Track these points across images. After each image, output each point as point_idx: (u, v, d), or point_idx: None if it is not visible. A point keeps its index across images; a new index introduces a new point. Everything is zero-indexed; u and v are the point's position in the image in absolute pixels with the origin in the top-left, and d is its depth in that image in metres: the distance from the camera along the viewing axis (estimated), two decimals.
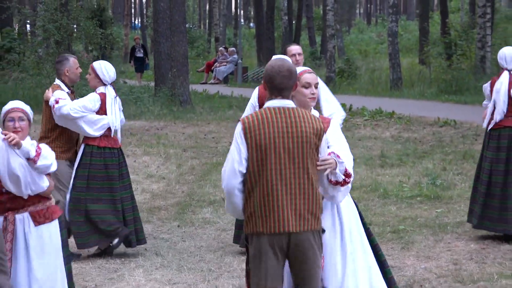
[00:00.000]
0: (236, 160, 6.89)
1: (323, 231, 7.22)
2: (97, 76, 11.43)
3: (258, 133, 6.80)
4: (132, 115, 26.46)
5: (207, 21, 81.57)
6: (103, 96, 11.28)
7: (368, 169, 17.58)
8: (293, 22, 52.88)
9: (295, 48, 11.78)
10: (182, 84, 29.99)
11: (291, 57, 11.38)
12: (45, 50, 33.25)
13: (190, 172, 17.59)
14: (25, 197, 7.36)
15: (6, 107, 7.70)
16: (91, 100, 11.18)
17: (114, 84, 11.80)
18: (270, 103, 6.93)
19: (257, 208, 6.90)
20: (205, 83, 44.22)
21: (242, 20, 70.93)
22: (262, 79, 7.18)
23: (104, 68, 11.46)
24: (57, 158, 8.46)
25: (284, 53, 11.66)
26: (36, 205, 7.51)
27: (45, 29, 34.51)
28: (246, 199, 7.00)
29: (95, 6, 36.36)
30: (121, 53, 52.43)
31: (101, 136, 11.32)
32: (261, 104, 10.61)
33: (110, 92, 11.42)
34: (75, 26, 35.46)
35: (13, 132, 7.42)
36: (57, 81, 11.85)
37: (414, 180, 16.31)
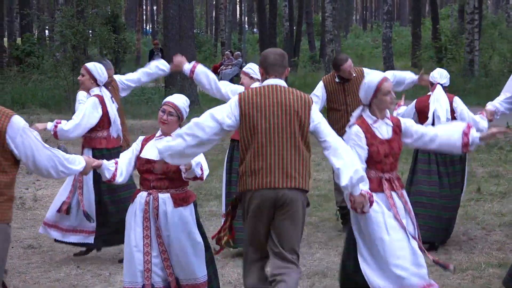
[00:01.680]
0: (222, 111, 7.26)
1: (308, 204, 7.76)
2: (92, 77, 10.76)
3: (251, 102, 7.22)
4: (144, 114, 26.52)
5: (213, 27, 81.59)
6: (101, 98, 10.63)
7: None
8: (294, 28, 52.89)
9: (348, 65, 12.26)
10: (190, 86, 30.03)
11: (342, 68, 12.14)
12: (62, 54, 33.35)
13: None
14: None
15: (166, 99, 8.08)
16: (93, 106, 10.53)
17: (106, 85, 11.46)
18: (265, 82, 7.40)
19: (248, 168, 7.26)
20: None
21: (246, 26, 71.09)
22: (260, 66, 7.62)
23: (99, 69, 10.82)
24: None
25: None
26: (177, 189, 7.80)
27: (63, 35, 34.63)
28: (241, 161, 7.40)
29: (109, 13, 36.37)
30: (133, 56, 52.42)
31: (105, 138, 10.79)
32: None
33: (106, 92, 10.83)
34: (90, 31, 35.57)
35: (160, 122, 7.89)
36: None
37: (406, 175, 16.32)
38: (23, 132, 6.82)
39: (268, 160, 7.20)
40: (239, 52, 48.45)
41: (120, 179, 7.90)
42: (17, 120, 6.78)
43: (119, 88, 11.90)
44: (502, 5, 77.72)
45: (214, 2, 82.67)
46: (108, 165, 7.87)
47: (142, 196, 7.78)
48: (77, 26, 34.57)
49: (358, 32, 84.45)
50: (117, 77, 12.02)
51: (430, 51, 42.93)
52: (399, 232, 7.47)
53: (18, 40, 42.27)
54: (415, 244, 7.55)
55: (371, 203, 7.32)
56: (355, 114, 7.74)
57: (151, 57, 42.14)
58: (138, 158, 7.89)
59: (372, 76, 7.72)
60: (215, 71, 46.83)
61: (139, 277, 7.66)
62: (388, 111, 7.75)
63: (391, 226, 7.44)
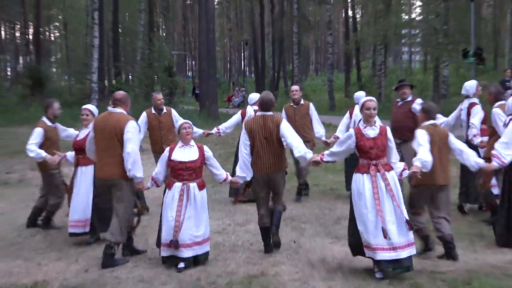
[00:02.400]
0: (243, 138, 8.17)
1: (286, 172, 8.29)
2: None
3: (249, 126, 8.10)
4: None
5: (228, 73, 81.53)
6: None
7: None
8: (275, 73, 52.81)
9: (294, 87, 12.62)
10: (214, 109, 30.05)
11: (291, 92, 12.44)
12: (139, 90, 33.24)
13: (218, 157, 17.40)
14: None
15: (181, 121, 8.13)
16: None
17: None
18: (258, 113, 8.21)
19: (253, 162, 8.10)
20: (227, 107, 44.29)
21: (247, 73, 70.85)
22: (258, 103, 8.44)
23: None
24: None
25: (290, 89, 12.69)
26: (199, 179, 7.83)
27: (139, 78, 34.65)
28: (252, 158, 8.10)
29: (167, 65, 36.45)
30: (180, 92, 52.09)
31: None
32: (242, 117, 11.68)
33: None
34: (156, 76, 35.63)
35: (187, 135, 7.88)
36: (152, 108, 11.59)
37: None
38: (131, 129, 7.64)
39: (261, 158, 8.03)
40: (243, 88, 48.40)
41: (160, 184, 8.07)
42: (132, 123, 7.71)
43: (172, 114, 11.63)
44: (398, 60, 77.98)
45: (228, 59, 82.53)
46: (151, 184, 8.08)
47: (177, 186, 7.68)
48: (148, 73, 34.65)
49: (313, 76, 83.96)
50: (173, 111, 11.83)
51: (356, 87, 42.89)
52: (372, 210, 7.08)
53: (113, 81, 42.17)
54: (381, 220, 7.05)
55: (322, 160, 7.65)
56: (357, 124, 8.46)
57: (193, 91, 42.11)
58: (170, 160, 7.81)
59: (364, 98, 7.58)
60: (229, 99, 46.89)
61: (171, 235, 7.61)
62: (378, 120, 7.62)
63: (370, 205, 7.09)
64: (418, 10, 65.76)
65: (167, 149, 7.99)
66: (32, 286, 6.98)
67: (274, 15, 50.65)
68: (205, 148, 8.01)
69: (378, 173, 7.15)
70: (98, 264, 7.77)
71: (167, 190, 7.81)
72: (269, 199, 8.34)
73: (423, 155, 7.39)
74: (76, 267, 7.79)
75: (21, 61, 52.60)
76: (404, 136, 10.98)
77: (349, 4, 54.21)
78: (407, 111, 11.06)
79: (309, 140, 11.90)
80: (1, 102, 28.88)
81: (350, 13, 55.80)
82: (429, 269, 7.34)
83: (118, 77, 39.88)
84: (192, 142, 7.96)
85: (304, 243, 8.71)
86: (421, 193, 7.82)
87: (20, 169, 15.84)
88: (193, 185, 7.72)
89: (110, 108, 7.98)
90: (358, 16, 59.40)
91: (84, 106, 9.49)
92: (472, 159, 7.81)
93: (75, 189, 9.01)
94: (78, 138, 9.23)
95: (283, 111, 12.25)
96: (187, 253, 7.62)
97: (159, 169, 7.99)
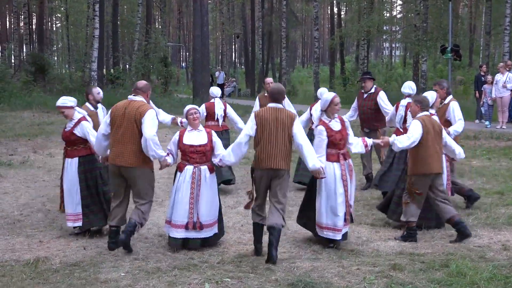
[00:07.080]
0: (248, 127, 7.14)
1: (289, 175, 7.27)
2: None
3: (261, 117, 7.10)
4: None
5: (220, 64, 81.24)
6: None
7: None
8: (264, 66, 52.59)
9: (268, 79, 12.07)
10: (207, 97, 29.84)
11: (266, 84, 11.87)
12: (136, 79, 33.03)
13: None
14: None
15: (187, 108, 7.86)
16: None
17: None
18: (269, 105, 7.21)
19: (258, 154, 7.08)
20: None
21: (238, 64, 70.62)
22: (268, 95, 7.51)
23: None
24: None
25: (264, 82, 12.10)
26: (209, 162, 7.57)
27: (136, 68, 34.39)
28: (255, 149, 7.14)
29: (162, 55, 36.24)
30: (175, 80, 52.02)
31: None
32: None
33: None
34: (152, 66, 35.36)
35: (194, 120, 7.68)
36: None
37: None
38: (148, 117, 7.32)
39: (269, 152, 7.03)
40: (234, 79, 48.25)
41: (175, 156, 7.73)
42: (151, 111, 7.36)
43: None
44: (379, 55, 78.07)
45: (220, 51, 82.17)
46: (169, 159, 7.65)
47: (189, 168, 7.44)
48: (145, 62, 34.39)
49: (299, 69, 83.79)
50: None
51: (339, 80, 42.81)
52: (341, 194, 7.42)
53: (112, 70, 41.84)
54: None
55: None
56: (317, 117, 7.67)
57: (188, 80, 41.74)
58: (181, 144, 7.56)
59: (328, 94, 7.62)
60: (222, 88, 46.73)
61: (185, 217, 7.35)
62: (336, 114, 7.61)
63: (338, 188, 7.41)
64: (399, 8, 65.86)
65: (178, 133, 7.73)
66: (34, 262, 6.90)
67: (264, 11, 50.44)
68: (213, 133, 7.73)
69: (345, 162, 7.50)
70: (96, 242, 7.73)
71: (178, 173, 7.54)
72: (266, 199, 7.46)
73: (402, 139, 7.79)
74: (75, 244, 7.72)
75: (24, 49, 52.17)
76: (372, 126, 11.16)
77: (335, 2, 54.08)
78: (373, 104, 11.17)
79: None
80: (6, 88, 28.45)
81: (335, 10, 55.73)
82: (408, 251, 7.33)
83: (116, 66, 39.61)
84: (201, 127, 7.73)
85: (291, 225, 8.66)
86: (420, 182, 7.82)
87: (23, 151, 15.68)
88: (204, 168, 7.49)
89: (130, 97, 7.70)
90: (342, 13, 59.38)
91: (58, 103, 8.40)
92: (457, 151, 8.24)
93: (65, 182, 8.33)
94: (66, 129, 8.37)
95: (257, 100, 12.14)
96: (203, 234, 7.45)
97: (171, 147, 7.73)
